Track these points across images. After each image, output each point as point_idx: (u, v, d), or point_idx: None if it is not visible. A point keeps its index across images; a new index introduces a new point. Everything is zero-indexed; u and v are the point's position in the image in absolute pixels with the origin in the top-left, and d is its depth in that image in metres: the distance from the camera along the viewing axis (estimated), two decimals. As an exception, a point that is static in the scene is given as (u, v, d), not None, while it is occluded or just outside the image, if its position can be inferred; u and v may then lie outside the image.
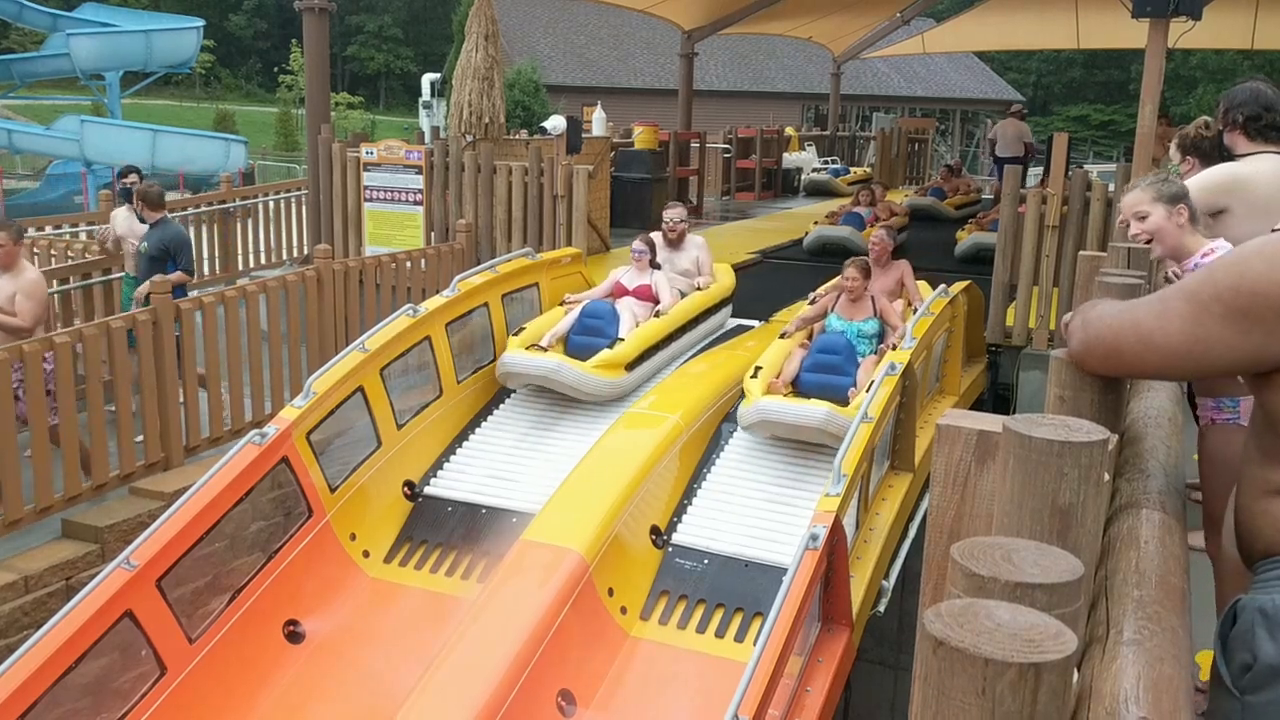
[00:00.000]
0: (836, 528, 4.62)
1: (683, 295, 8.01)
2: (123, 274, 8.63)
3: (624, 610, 5.36)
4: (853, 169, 22.26)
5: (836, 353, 6.69)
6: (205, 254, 11.87)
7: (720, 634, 5.28)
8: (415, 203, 10.84)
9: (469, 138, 11.15)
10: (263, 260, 12.46)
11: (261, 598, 5.29)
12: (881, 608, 5.50)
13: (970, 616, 0.92)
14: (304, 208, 12.27)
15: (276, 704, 5.07)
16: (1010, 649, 0.88)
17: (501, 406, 7.09)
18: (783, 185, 20.50)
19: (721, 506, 5.98)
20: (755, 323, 8.86)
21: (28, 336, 6.59)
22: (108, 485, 6.64)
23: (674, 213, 8.49)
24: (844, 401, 6.27)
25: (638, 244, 7.90)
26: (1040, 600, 0.99)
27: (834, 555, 4.68)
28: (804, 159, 21.81)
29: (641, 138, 15.38)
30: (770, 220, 16.79)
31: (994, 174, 17.79)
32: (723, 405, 6.75)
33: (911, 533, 6.18)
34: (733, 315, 8.97)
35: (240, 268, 12.15)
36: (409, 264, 9.38)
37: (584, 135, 13.14)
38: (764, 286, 10.92)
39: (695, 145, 17.24)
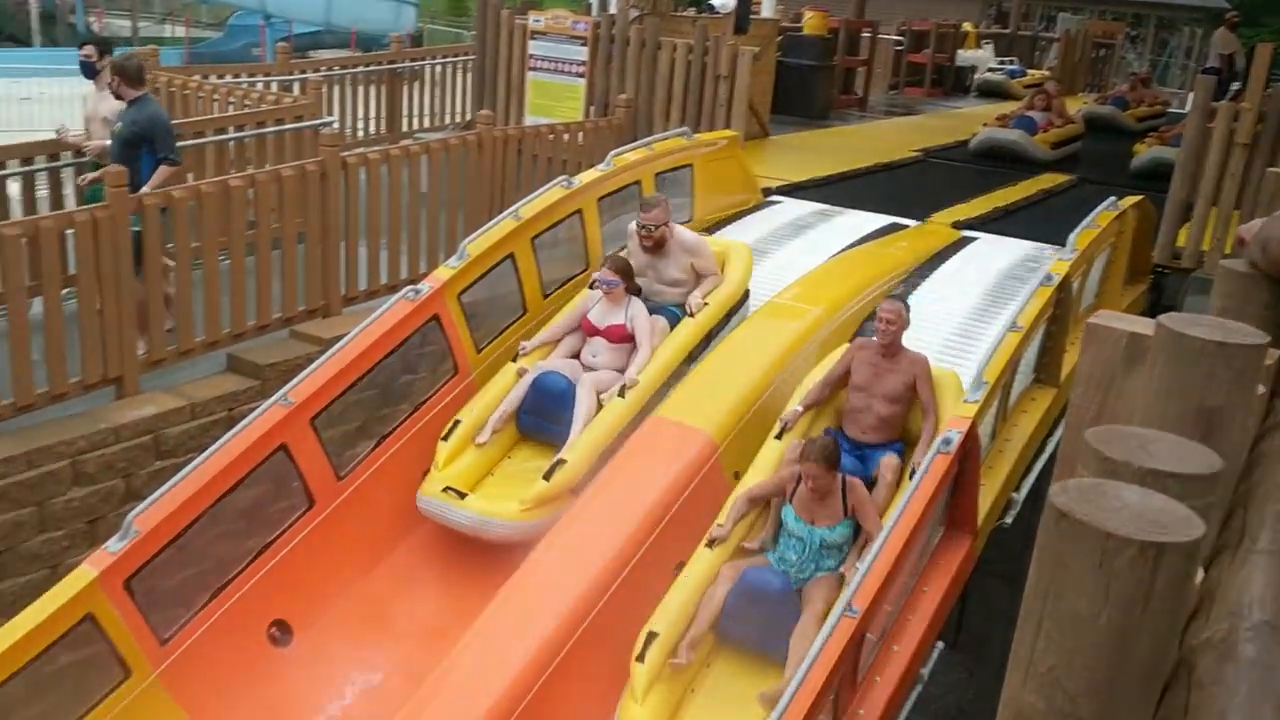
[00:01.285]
0: (971, 434, 4.57)
1: (674, 318, 6.18)
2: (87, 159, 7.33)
3: (749, 494, 5.42)
4: (1030, 72, 21.18)
5: (767, 600, 4.63)
6: (371, 113, 12.16)
7: (842, 526, 5.30)
8: (578, 75, 10.83)
9: (636, 12, 11.02)
10: (426, 123, 12.69)
11: (407, 444, 5.55)
12: (1009, 520, 5.43)
13: (1098, 494, 0.91)
14: (469, 74, 12.40)
15: (415, 547, 5.38)
16: (1134, 528, 0.87)
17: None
18: (955, 83, 19.73)
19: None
20: (911, 222, 8.64)
21: None
22: (270, 326, 7.01)
23: (650, 215, 6.16)
24: (776, 665, 4.47)
25: (605, 274, 5.95)
26: (1173, 489, 0.97)
27: (966, 461, 4.64)
28: (980, 57, 20.88)
29: (811, 23, 14.96)
30: (937, 118, 16.23)
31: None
32: (868, 303, 6.64)
33: (1049, 449, 6.05)
34: (888, 214, 8.76)
35: (404, 129, 12.40)
36: (566, 136, 9.43)
37: (753, 17, 12.85)
38: (924, 186, 10.62)
39: (866, 35, 16.68)
